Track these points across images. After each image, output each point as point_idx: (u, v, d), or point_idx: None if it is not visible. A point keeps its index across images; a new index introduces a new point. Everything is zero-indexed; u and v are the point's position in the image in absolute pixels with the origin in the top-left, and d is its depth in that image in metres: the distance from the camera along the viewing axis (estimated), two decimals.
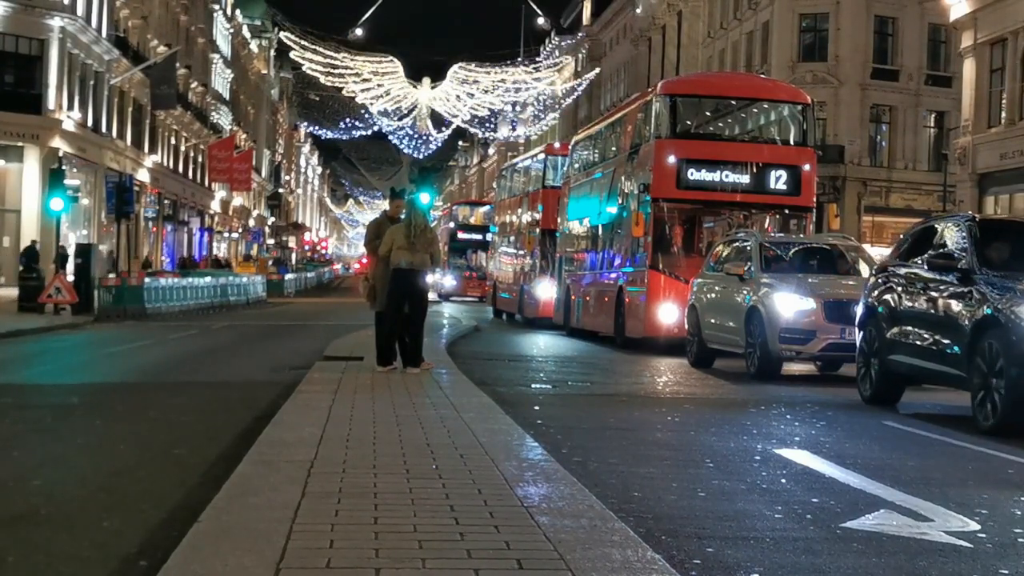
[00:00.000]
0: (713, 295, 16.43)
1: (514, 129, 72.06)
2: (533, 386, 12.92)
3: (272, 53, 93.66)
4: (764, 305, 14.37)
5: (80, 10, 40.37)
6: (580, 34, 78.04)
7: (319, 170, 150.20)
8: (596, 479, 6.49)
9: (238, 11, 78.05)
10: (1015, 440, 9.14)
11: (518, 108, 65.81)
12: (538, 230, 29.26)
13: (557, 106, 65.53)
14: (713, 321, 16.11)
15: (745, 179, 19.76)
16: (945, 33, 41.44)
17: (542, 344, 21.89)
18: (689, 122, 21.09)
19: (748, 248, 15.96)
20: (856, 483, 6.85)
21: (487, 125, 64.93)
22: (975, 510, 6.09)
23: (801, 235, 19.13)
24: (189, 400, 10.96)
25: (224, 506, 4.93)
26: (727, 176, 19.73)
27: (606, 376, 15.04)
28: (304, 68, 56.35)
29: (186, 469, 6.96)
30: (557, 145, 34.35)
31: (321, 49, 54.62)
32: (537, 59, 62.27)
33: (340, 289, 66.06)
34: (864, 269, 16.41)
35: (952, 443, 8.94)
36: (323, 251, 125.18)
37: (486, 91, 59.18)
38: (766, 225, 20.00)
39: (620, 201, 21.89)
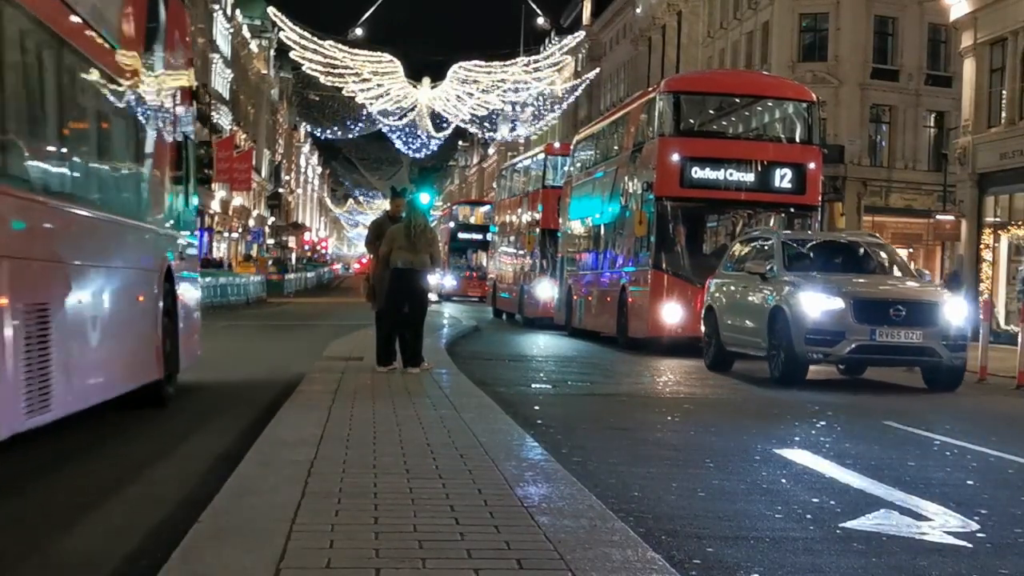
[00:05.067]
0: (732, 295, 15.70)
1: (514, 129, 72.04)
2: (533, 386, 12.92)
3: (272, 53, 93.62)
4: (789, 305, 13.62)
5: None
6: (580, 34, 78.02)
7: (319, 170, 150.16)
8: (596, 479, 6.49)
9: (238, 11, 78.02)
10: (1012, 441, 9.15)
11: (518, 108, 65.79)
12: (538, 230, 29.29)
13: (557, 106, 65.54)
14: (732, 322, 15.43)
15: (750, 177, 19.57)
16: (945, 33, 41.42)
17: (542, 344, 21.88)
18: (693, 120, 20.90)
19: (770, 246, 15.26)
20: (856, 483, 6.85)
21: (487, 125, 64.90)
22: (975, 510, 6.09)
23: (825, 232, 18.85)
24: (188, 399, 10.95)
25: (224, 506, 4.92)
26: (731, 174, 19.53)
27: (606, 376, 15.03)
28: (304, 68, 56.31)
29: (186, 469, 6.96)
30: (557, 145, 34.34)
31: (321, 49, 54.59)
32: (537, 59, 62.21)
33: (340, 289, 66.05)
34: (893, 268, 15.51)
35: (952, 443, 8.94)
36: (323, 251, 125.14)
37: (486, 91, 59.13)
38: (771, 224, 19.78)
39: (623, 200, 21.73)
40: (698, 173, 19.55)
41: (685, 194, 19.51)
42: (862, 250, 15.70)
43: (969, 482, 7.14)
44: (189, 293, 11.18)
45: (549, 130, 72.14)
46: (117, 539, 5.17)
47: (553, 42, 67.65)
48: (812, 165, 19.84)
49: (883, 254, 15.86)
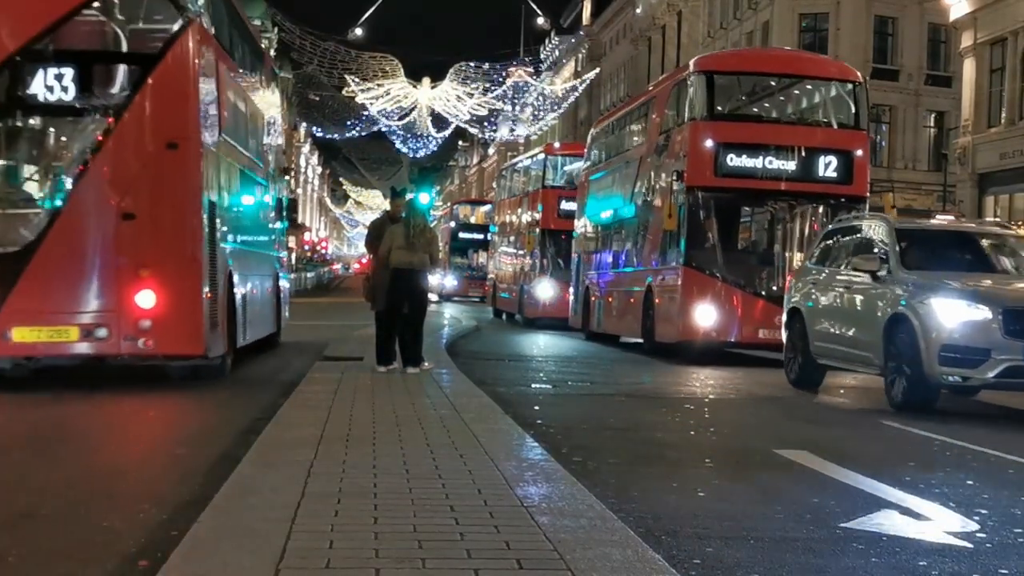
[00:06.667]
0: (828, 297, 12.99)
1: (514, 129, 72.01)
2: (533, 386, 12.91)
3: (272, 53, 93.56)
4: (916, 313, 10.79)
5: None
6: (580, 34, 78.02)
7: (319, 170, 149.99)
8: (596, 479, 6.49)
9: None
10: (1012, 442, 9.13)
11: (518, 108, 65.76)
12: (538, 230, 29.26)
13: (557, 107, 65.53)
14: (828, 331, 12.75)
15: (791, 165, 17.77)
16: (945, 33, 41.46)
17: (542, 344, 21.86)
18: (727, 103, 19.18)
19: (877, 237, 12.39)
20: (856, 483, 6.85)
21: (487, 125, 64.86)
22: (975, 510, 6.09)
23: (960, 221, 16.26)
24: (189, 399, 10.97)
25: (224, 506, 4.93)
26: (771, 162, 17.74)
27: (607, 377, 14.99)
28: (304, 68, 56.29)
29: (186, 469, 6.96)
30: (557, 145, 34.26)
31: (321, 49, 54.57)
32: (538, 59, 62.27)
33: (340, 289, 66.00)
34: None
35: (952, 443, 8.93)
36: (323, 251, 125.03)
37: (486, 91, 59.12)
38: (819, 214, 18.03)
39: (648, 193, 20.14)
40: (734, 160, 17.75)
41: (719, 184, 17.72)
42: (991, 244, 12.74)
43: (969, 482, 7.14)
44: (284, 286, 19.17)
45: (549, 130, 72.13)
46: (117, 539, 5.17)
47: (553, 42, 67.70)
48: (860, 152, 18.03)
49: (1020, 249, 12.51)
